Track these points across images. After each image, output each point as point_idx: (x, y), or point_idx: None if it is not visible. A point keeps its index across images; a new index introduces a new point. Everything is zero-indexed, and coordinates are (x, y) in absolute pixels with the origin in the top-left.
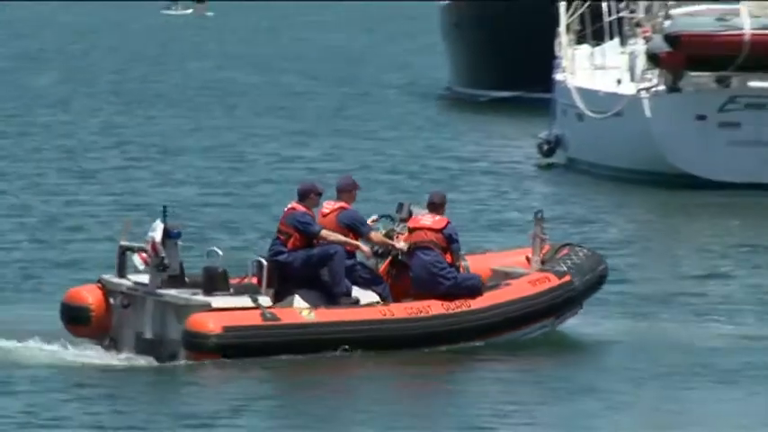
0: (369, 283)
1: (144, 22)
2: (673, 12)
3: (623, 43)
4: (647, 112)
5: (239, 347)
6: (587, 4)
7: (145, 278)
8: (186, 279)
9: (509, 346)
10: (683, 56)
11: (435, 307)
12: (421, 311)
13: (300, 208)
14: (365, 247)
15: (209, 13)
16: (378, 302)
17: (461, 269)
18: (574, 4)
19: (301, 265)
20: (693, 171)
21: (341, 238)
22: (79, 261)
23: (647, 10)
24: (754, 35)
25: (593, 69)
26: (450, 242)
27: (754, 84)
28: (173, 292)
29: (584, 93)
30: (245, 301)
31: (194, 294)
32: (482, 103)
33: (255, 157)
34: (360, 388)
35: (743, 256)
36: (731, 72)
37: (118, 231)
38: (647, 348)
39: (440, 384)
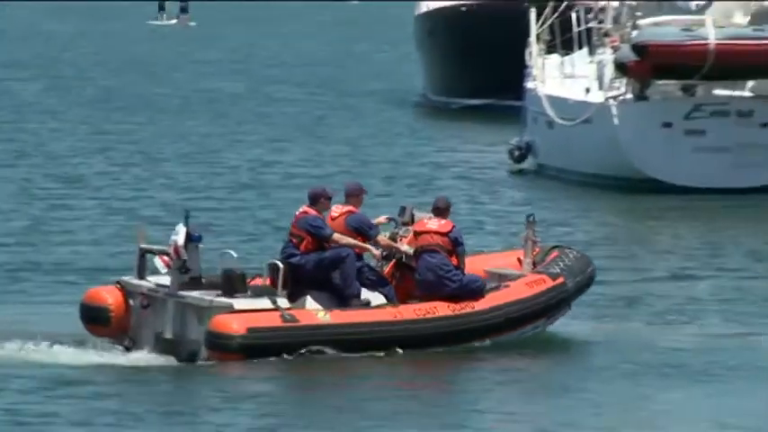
0: (375, 284)
1: (131, 33)
2: (640, 22)
3: (592, 53)
4: (615, 120)
5: (261, 348)
6: (557, 14)
7: (164, 280)
8: (203, 280)
9: (492, 347)
10: (649, 65)
11: (442, 308)
12: (429, 313)
13: (312, 212)
14: (376, 251)
15: (192, 23)
16: (386, 304)
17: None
18: (544, 14)
19: (313, 268)
20: (659, 176)
21: (351, 241)
22: (66, 263)
23: (616, 20)
24: (718, 45)
25: (562, 78)
26: (455, 245)
27: (718, 92)
28: (194, 293)
29: (554, 101)
30: (265, 302)
31: (216, 296)
32: (455, 111)
33: (238, 162)
34: (360, 388)
35: (706, 259)
36: (697, 81)
37: (132, 237)
38: (616, 348)
39: (440, 384)
